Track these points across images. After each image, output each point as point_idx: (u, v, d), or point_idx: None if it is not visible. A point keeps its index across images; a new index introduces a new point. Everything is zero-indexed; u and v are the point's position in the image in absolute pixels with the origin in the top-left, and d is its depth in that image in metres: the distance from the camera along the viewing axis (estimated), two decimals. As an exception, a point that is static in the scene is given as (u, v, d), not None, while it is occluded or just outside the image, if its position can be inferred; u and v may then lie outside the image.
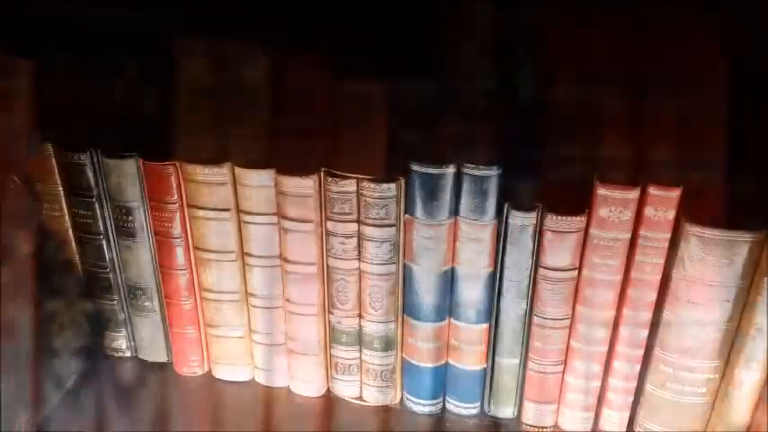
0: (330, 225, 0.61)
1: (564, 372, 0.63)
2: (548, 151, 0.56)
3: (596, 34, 0.54)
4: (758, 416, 0.57)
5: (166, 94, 0.61)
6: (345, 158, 0.58)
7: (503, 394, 0.65)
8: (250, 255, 0.64)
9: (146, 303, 0.69)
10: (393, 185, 0.58)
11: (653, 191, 0.53)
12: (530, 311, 0.61)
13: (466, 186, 0.57)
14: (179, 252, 0.65)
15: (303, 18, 0.57)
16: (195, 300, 0.68)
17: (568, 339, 0.61)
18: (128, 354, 0.73)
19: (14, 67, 0.58)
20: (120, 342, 0.72)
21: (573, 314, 0.60)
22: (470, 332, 0.62)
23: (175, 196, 0.63)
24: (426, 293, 0.61)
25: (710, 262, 0.54)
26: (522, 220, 0.57)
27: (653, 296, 0.57)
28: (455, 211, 0.58)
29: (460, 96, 0.58)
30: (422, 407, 0.67)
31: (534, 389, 0.64)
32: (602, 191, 0.54)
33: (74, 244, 0.68)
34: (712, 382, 0.59)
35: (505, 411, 0.66)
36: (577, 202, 0.56)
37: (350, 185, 0.59)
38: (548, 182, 0.57)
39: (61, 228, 0.67)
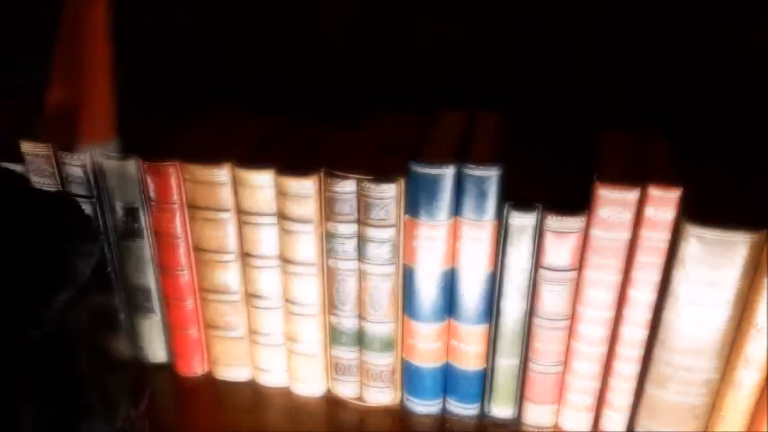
0: (330, 225, 0.61)
1: (564, 372, 0.63)
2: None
3: None
4: (758, 416, 0.57)
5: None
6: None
7: (503, 395, 0.65)
8: (250, 255, 0.64)
9: (146, 304, 0.69)
10: (393, 186, 0.58)
11: (653, 191, 0.53)
12: (530, 312, 0.61)
13: (466, 186, 0.57)
14: (180, 252, 0.65)
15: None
16: (196, 300, 0.68)
17: (568, 340, 0.61)
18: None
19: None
20: (120, 342, 0.72)
21: (573, 314, 0.60)
22: (470, 332, 0.62)
23: (175, 196, 0.63)
24: (426, 294, 0.61)
25: (710, 262, 0.54)
26: (522, 221, 0.57)
27: (653, 296, 0.57)
28: (455, 211, 0.58)
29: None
30: (422, 407, 0.67)
31: (534, 389, 0.64)
32: (602, 191, 0.54)
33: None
34: (712, 383, 0.58)
35: (505, 412, 0.66)
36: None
37: (350, 186, 0.59)
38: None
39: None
